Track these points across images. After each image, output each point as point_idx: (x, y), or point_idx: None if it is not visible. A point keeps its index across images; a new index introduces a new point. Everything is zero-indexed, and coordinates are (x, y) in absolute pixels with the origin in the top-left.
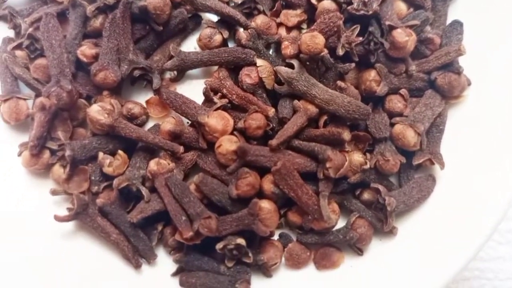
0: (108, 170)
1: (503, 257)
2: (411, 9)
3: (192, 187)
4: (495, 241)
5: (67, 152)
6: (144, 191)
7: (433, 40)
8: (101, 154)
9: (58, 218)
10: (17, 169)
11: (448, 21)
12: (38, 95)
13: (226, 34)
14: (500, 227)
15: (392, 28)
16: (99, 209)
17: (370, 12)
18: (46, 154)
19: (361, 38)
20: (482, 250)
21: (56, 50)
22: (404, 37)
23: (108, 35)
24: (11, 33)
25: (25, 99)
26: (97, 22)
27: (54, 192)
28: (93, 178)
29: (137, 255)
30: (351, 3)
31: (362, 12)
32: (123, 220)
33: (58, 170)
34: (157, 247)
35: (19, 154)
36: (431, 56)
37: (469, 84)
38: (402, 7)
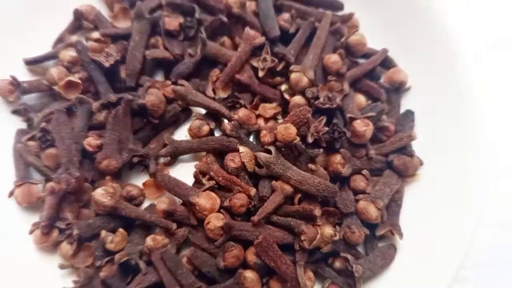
0: (110, 246)
1: None
2: (369, 101)
3: (185, 259)
4: None
5: (75, 231)
6: (142, 264)
7: (388, 128)
8: (103, 232)
9: None
10: (27, 245)
11: (402, 110)
12: (47, 180)
13: (212, 125)
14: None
15: (352, 119)
16: (102, 281)
17: (334, 106)
18: (55, 232)
19: (327, 128)
20: None
21: (66, 142)
22: (363, 127)
23: (111, 127)
24: (23, 125)
25: (36, 184)
26: (101, 116)
27: (62, 267)
28: (96, 253)
29: None
30: (318, 98)
31: (327, 105)
32: None
33: (66, 247)
34: None
35: (30, 233)
36: (387, 141)
37: (421, 164)
38: (362, 100)
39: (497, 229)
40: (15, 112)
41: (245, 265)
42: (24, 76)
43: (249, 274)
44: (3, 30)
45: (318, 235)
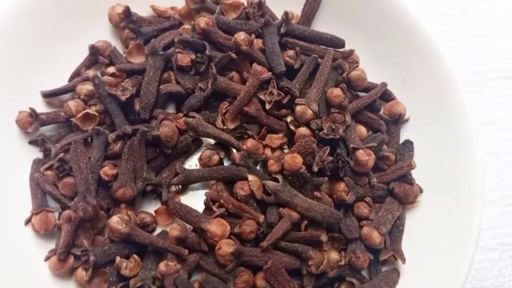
0: (124, 272)
1: None
2: (370, 132)
3: (196, 285)
4: None
5: (91, 258)
6: None
7: (389, 157)
8: (118, 258)
9: None
10: (43, 271)
11: (401, 141)
12: (64, 208)
13: (222, 154)
14: None
15: (355, 149)
16: None
17: (338, 136)
18: (71, 259)
19: (331, 158)
20: None
21: (83, 171)
22: (365, 156)
23: (127, 157)
24: (38, 155)
25: (53, 212)
26: (116, 147)
27: None
28: (111, 279)
29: None
30: (322, 129)
31: (331, 136)
32: None
33: (81, 273)
34: None
35: (47, 259)
36: (388, 170)
37: (421, 191)
38: (363, 131)
39: (496, 253)
40: (33, 142)
41: None
42: (41, 108)
43: None
44: (22, 64)
45: (325, 260)
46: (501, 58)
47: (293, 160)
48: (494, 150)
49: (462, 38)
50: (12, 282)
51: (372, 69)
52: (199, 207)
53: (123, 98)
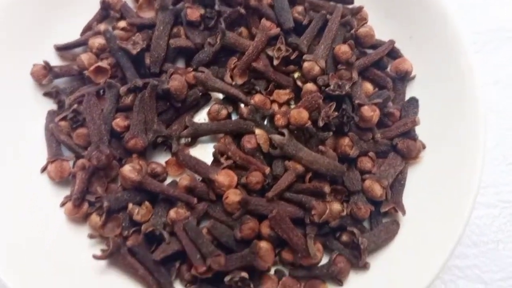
0: (136, 217)
1: None
2: (376, 89)
3: (204, 231)
4: (455, 275)
5: (105, 203)
6: (165, 234)
7: (393, 113)
8: (130, 205)
9: (97, 257)
10: (59, 216)
11: (407, 98)
12: (78, 157)
13: (230, 109)
14: (459, 263)
15: (360, 105)
16: (129, 249)
17: (344, 93)
18: (85, 205)
19: (336, 113)
20: (444, 284)
21: (96, 122)
22: (370, 112)
23: (138, 110)
24: (52, 106)
25: (67, 161)
26: (128, 100)
27: (91, 236)
28: (123, 224)
29: (159, 287)
30: (328, 86)
31: (337, 92)
32: (148, 258)
33: (95, 218)
34: (175, 281)
35: (62, 205)
36: (392, 126)
37: (424, 147)
38: (369, 87)
39: (497, 210)
40: (47, 94)
41: (259, 237)
42: (55, 61)
43: (264, 244)
44: (35, 18)
45: (327, 211)
46: (510, 18)
47: (299, 115)
48: (500, 109)
49: None
50: (28, 227)
51: (380, 26)
52: (208, 159)
53: (134, 52)
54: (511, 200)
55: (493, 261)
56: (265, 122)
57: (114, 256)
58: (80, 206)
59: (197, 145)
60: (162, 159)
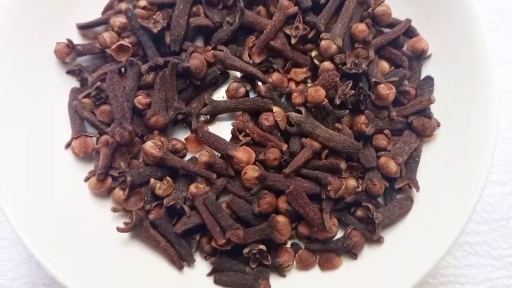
0: (158, 192)
1: (473, 265)
2: (393, 68)
3: (224, 205)
4: (466, 251)
5: (128, 178)
6: (186, 208)
7: (409, 92)
8: (152, 180)
9: (120, 229)
10: (84, 191)
11: (422, 76)
12: (101, 133)
13: (248, 87)
14: (469, 240)
15: (377, 83)
16: (151, 222)
17: (360, 71)
18: (109, 180)
19: (353, 91)
20: (455, 259)
21: (119, 99)
22: (386, 90)
23: (159, 88)
24: (75, 84)
25: (91, 137)
26: (149, 78)
27: (115, 210)
28: (146, 198)
29: (180, 259)
30: (345, 64)
31: (354, 71)
32: (170, 231)
33: (118, 192)
34: (195, 253)
35: (86, 180)
36: (408, 104)
37: (439, 125)
38: (385, 66)
39: (508, 188)
40: (70, 72)
41: (277, 211)
42: (77, 40)
43: (281, 218)
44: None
45: (343, 186)
46: None
47: (316, 93)
48: None
49: None
50: (54, 202)
51: (397, 6)
52: (226, 136)
53: (155, 30)
54: None
55: (503, 238)
56: (283, 100)
57: (137, 228)
58: (104, 181)
59: (216, 123)
60: (182, 135)
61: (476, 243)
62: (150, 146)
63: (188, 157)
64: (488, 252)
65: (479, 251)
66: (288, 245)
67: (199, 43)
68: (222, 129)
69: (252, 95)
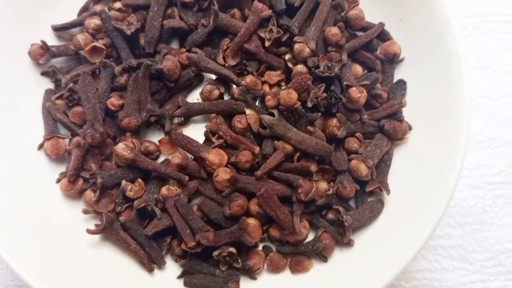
0: (129, 194)
1: (447, 268)
2: (366, 71)
3: (195, 207)
4: (440, 255)
5: (99, 180)
6: (157, 210)
7: (381, 95)
8: (123, 182)
9: (90, 231)
10: (55, 192)
11: (395, 80)
12: (73, 135)
13: (222, 89)
14: (443, 243)
15: (348, 86)
16: (122, 224)
17: (333, 74)
18: (80, 181)
19: (325, 94)
20: (429, 263)
21: (91, 101)
22: (358, 93)
23: (132, 89)
24: (50, 85)
25: (63, 138)
26: (122, 79)
27: (86, 212)
28: (117, 200)
29: (150, 261)
30: (318, 67)
31: (326, 74)
32: (140, 233)
33: (90, 194)
34: (166, 255)
35: (58, 181)
36: (380, 108)
37: (410, 128)
38: (359, 69)
39: (482, 191)
40: (44, 73)
41: (248, 214)
42: (52, 41)
43: (251, 221)
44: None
45: (313, 189)
46: (501, 2)
47: (288, 95)
48: (489, 92)
49: None
50: (25, 203)
51: (371, 9)
52: (200, 138)
53: (128, 32)
54: (496, 182)
55: (477, 241)
56: (257, 103)
57: (107, 230)
58: (75, 182)
59: (190, 125)
60: (155, 138)
61: (450, 247)
62: (122, 147)
63: (162, 159)
64: (462, 255)
65: (453, 255)
66: (260, 248)
67: (175, 45)
68: (197, 131)
69: (226, 97)
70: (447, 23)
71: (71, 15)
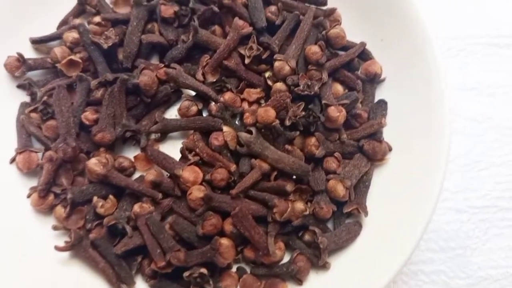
0: (100, 211)
1: None
2: (346, 90)
3: (167, 226)
4: (421, 280)
5: (69, 195)
6: (128, 228)
7: (361, 115)
8: (95, 198)
9: (58, 248)
10: (25, 207)
11: (376, 100)
12: (47, 149)
13: (200, 106)
14: (425, 269)
15: (327, 105)
16: (91, 242)
17: (313, 93)
18: (51, 196)
19: (303, 113)
20: None
21: (65, 115)
22: (336, 113)
23: (107, 104)
24: (26, 98)
25: (36, 152)
26: (98, 94)
27: (55, 228)
28: (87, 217)
29: (119, 281)
30: (298, 85)
31: (306, 92)
32: (110, 252)
33: (60, 210)
34: (136, 275)
35: (28, 196)
36: (359, 127)
37: (390, 149)
38: (339, 89)
39: (465, 215)
40: (20, 86)
41: (222, 234)
42: (30, 54)
43: (224, 241)
44: (13, 12)
45: (289, 209)
46: (486, 25)
47: (266, 113)
48: (474, 115)
49: (448, 2)
50: None
51: (352, 28)
52: (176, 155)
53: (105, 46)
54: (480, 206)
55: (459, 267)
56: (236, 121)
57: (76, 248)
58: (46, 198)
59: (168, 141)
60: (132, 154)
61: (432, 272)
62: (94, 163)
63: (137, 175)
64: (444, 281)
65: (435, 280)
66: (234, 269)
67: (155, 61)
68: (174, 148)
69: (204, 114)
70: (428, 43)
71: (50, 29)
